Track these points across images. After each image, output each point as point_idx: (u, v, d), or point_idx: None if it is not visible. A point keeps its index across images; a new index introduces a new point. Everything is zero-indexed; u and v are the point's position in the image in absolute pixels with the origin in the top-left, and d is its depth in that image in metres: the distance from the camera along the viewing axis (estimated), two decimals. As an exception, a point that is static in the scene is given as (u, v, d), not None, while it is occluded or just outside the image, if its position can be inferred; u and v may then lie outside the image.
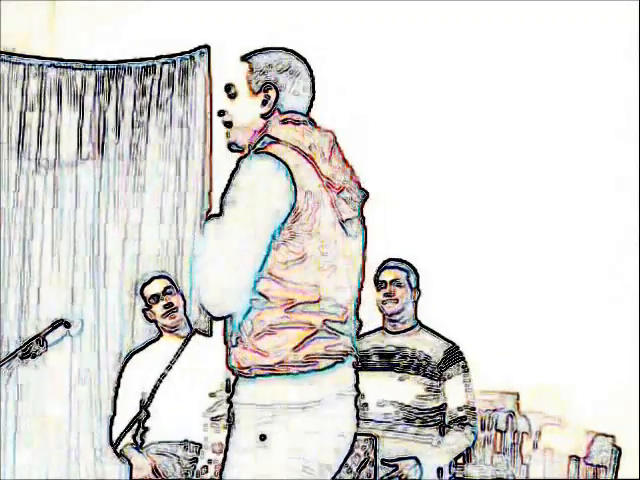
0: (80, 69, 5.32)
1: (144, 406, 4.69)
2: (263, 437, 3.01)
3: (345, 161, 3.16)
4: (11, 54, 5.26)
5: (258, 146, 3.12)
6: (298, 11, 5.07)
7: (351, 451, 3.13)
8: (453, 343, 4.64)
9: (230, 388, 4.22)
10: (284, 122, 3.14)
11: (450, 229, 5.00)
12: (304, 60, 3.23)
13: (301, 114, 3.18)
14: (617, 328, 4.88)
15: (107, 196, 5.35)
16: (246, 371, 3.06)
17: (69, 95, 5.33)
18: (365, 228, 3.15)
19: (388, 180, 4.97)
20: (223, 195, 3.10)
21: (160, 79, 5.34)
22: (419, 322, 4.71)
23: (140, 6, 5.21)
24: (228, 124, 3.22)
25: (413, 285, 4.70)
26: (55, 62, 5.30)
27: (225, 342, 3.17)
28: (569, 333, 4.89)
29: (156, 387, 4.69)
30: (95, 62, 5.31)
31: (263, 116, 3.17)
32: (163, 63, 5.34)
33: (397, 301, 4.67)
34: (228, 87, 3.22)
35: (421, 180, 5.04)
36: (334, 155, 3.14)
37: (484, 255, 4.97)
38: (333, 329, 3.06)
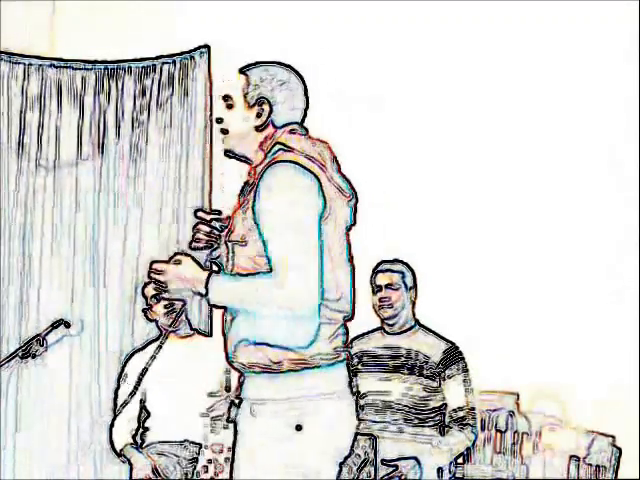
0: (80, 69, 5.32)
1: (131, 393, 4.70)
2: (299, 427, 3.13)
3: (339, 170, 3.28)
4: (11, 54, 5.26)
5: (275, 154, 3.20)
6: (298, 12, 5.08)
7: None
8: (452, 343, 4.64)
9: (230, 387, 4.26)
10: (292, 132, 3.25)
11: (449, 229, 5.00)
12: (299, 74, 3.30)
13: (300, 125, 3.28)
14: (617, 328, 4.88)
15: (107, 196, 5.35)
16: (275, 367, 3.15)
17: (69, 95, 5.33)
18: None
19: (387, 180, 4.97)
20: (253, 202, 3.16)
21: (160, 79, 5.34)
22: (418, 322, 4.71)
23: (140, 6, 5.21)
24: (225, 131, 3.30)
25: (409, 285, 4.69)
26: (55, 62, 5.30)
27: (224, 342, 3.27)
28: (569, 333, 4.89)
29: (140, 379, 4.70)
30: (95, 62, 5.31)
31: (257, 128, 3.26)
32: (163, 63, 5.34)
33: (392, 306, 4.66)
34: (226, 97, 3.30)
35: (420, 180, 5.04)
36: (335, 165, 3.25)
37: (484, 255, 4.97)
38: (345, 325, 3.25)
